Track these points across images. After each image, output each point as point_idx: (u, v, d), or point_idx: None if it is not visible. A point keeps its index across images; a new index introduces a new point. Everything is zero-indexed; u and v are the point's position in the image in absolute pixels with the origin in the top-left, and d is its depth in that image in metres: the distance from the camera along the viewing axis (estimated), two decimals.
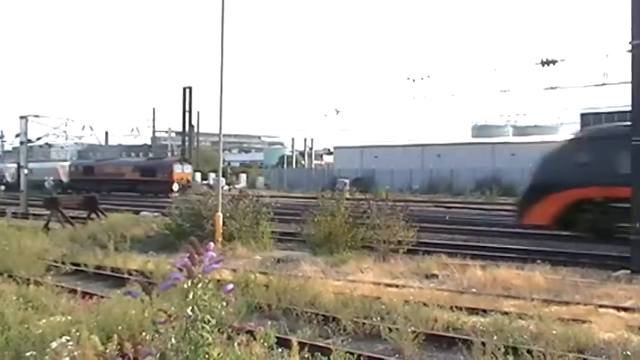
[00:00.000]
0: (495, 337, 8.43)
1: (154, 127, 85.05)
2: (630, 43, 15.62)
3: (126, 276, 14.00)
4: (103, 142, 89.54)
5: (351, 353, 7.66)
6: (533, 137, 67.73)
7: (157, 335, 4.48)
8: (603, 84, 30.32)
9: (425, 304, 10.84)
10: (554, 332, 9.06)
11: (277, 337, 6.61)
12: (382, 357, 8.77)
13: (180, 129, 77.50)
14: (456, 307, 11.05)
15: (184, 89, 73.55)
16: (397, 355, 9.06)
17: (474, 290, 13.08)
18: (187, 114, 73.72)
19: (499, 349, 7.77)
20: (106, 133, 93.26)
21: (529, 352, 7.84)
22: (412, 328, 9.30)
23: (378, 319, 10.49)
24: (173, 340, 4.10)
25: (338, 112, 63.06)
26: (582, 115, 71.47)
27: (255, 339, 6.09)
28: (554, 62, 24.36)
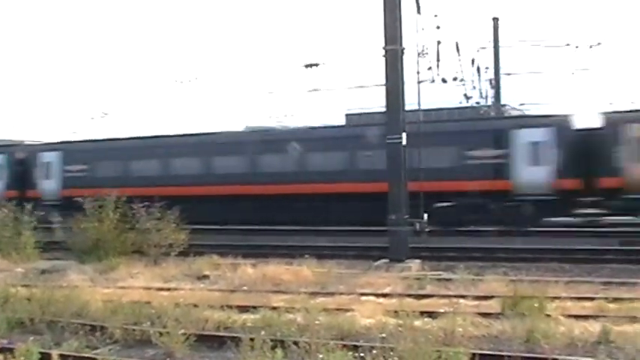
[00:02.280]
0: (263, 332, 8.62)
1: None
2: (384, 48, 16.72)
3: None
4: None
5: None
6: None
7: None
8: (361, 86, 32.03)
9: (196, 306, 10.83)
10: (320, 323, 9.47)
11: (41, 353, 6.28)
12: None
13: None
14: (227, 306, 11.16)
15: None
16: (168, 359, 8.96)
17: (244, 288, 13.30)
18: None
19: (267, 343, 7.95)
20: None
21: (295, 343, 8.13)
22: (183, 330, 9.24)
23: (149, 324, 10.29)
24: None
25: (105, 114, 60.63)
26: (347, 115, 75.34)
27: (14, 356, 5.72)
28: (316, 65, 25.39)
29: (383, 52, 16.76)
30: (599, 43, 36.90)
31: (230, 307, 11.15)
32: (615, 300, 11.14)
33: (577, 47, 36.68)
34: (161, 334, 9.25)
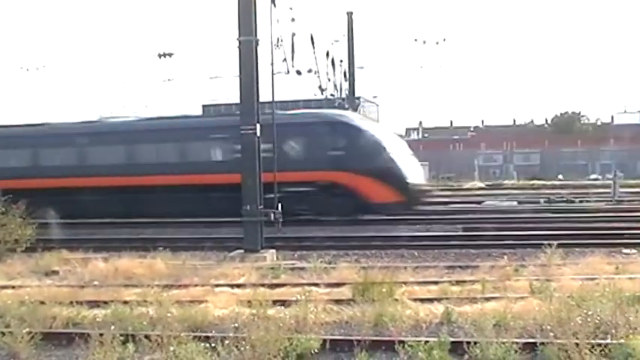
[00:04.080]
0: (114, 327, 8.44)
1: None
2: (238, 39, 16.71)
3: None
4: None
5: None
6: None
7: None
8: (217, 77, 31.97)
9: (43, 303, 10.42)
10: (173, 315, 9.39)
11: None
12: None
13: None
14: (77, 302, 10.79)
15: None
16: None
17: (95, 283, 12.93)
18: None
19: (117, 338, 7.80)
20: None
21: (147, 337, 8.02)
22: (28, 329, 8.88)
23: None
24: None
25: None
26: (204, 106, 74.73)
27: None
28: (170, 55, 25.01)
29: (237, 43, 16.73)
30: (444, 39, 38.81)
31: (80, 303, 10.78)
32: (458, 283, 11.77)
33: (424, 42, 38.44)
34: (3, 334, 8.85)
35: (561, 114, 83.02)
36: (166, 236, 19.42)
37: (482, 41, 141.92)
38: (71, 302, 10.71)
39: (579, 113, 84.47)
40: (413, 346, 7.68)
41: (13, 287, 12.80)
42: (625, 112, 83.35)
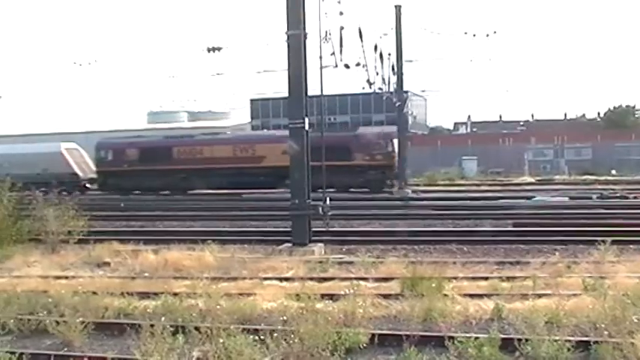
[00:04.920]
0: (164, 319, 8.56)
1: None
2: (286, 33, 16.73)
3: None
4: None
5: (13, 352, 7.22)
6: (208, 122, 69.49)
7: None
8: (265, 71, 32.05)
9: (95, 293, 10.65)
10: (222, 307, 9.48)
11: None
12: (49, 352, 8.42)
13: None
14: (128, 293, 10.99)
15: None
16: (66, 349, 8.75)
17: (145, 275, 13.09)
18: None
19: (167, 329, 7.89)
20: None
21: (197, 329, 8.11)
22: (81, 318, 9.06)
23: (45, 313, 10.02)
24: None
25: None
26: (252, 100, 75.25)
27: None
28: (219, 49, 25.07)
29: (286, 37, 16.75)
30: (495, 32, 38.28)
31: (130, 294, 10.98)
32: (508, 279, 11.61)
33: (474, 36, 37.97)
34: (58, 322, 9.04)
35: (614, 107, 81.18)
36: (215, 229, 19.56)
37: (533, 34, 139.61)
38: (122, 293, 10.91)
39: (633, 107, 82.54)
40: (463, 342, 7.61)
41: (67, 278, 13.10)
42: None
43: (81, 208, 17.60)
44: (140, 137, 43.80)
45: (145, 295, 11.09)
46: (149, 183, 38.01)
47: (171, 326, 8.02)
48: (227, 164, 36.95)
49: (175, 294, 10.65)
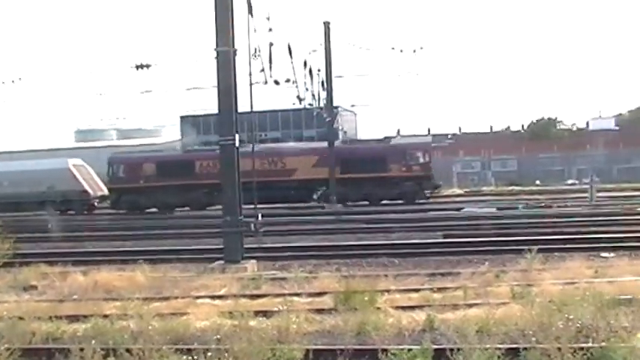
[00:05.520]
0: (94, 342, 8.36)
1: None
2: (215, 49, 16.68)
3: None
4: None
5: None
6: (138, 140, 68.47)
7: None
8: (195, 87, 31.72)
9: (21, 318, 10.30)
10: (154, 328, 9.32)
11: None
12: None
13: None
14: (56, 316, 10.65)
15: None
16: None
17: (75, 297, 12.78)
18: None
19: (97, 352, 7.72)
20: None
21: (128, 351, 7.94)
22: (6, 345, 8.76)
23: None
24: None
25: None
26: (182, 117, 74.55)
27: None
28: (148, 66, 24.75)
29: (215, 53, 16.70)
30: (421, 48, 39.04)
31: (59, 317, 10.65)
32: (439, 290, 11.80)
33: (402, 51, 38.62)
34: None
35: (537, 120, 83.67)
36: (146, 248, 19.25)
37: (459, 49, 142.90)
38: (50, 317, 10.56)
39: (555, 119, 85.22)
40: (396, 354, 7.67)
41: None
42: (600, 117, 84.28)
43: (5, 230, 17.06)
44: (158, 151, 42.38)
45: (74, 319, 10.80)
46: (168, 199, 36.68)
47: (101, 349, 7.84)
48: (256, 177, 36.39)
49: (106, 316, 10.42)
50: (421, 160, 37.06)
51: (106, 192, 39.09)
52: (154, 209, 37.03)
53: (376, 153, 36.49)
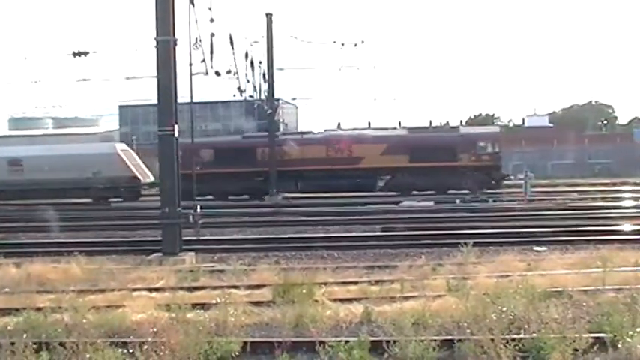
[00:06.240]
0: (26, 335, 8.18)
1: None
2: (155, 39, 16.44)
3: None
4: None
5: None
6: (75, 129, 67.19)
7: None
8: (134, 77, 31.44)
9: None
10: (89, 321, 9.17)
11: None
12: None
13: None
14: None
15: None
16: None
17: (6, 289, 12.45)
18: None
19: (30, 346, 7.55)
20: None
21: (62, 344, 7.80)
22: None
23: None
24: None
25: None
26: (120, 107, 73.41)
27: None
28: (85, 54, 24.30)
29: (155, 42, 16.47)
30: (362, 42, 39.27)
31: None
32: (377, 282, 11.91)
33: (343, 45, 38.77)
34: None
35: (475, 116, 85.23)
36: (82, 239, 18.90)
37: (400, 43, 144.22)
38: None
39: (493, 115, 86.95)
40: (333, 346, 7.73)
41: None
42: (535, 114, 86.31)
43: None
44: (216, 137, 41.37)
45: (5, 312, 10.54)
46: (226, 187, 35.64)
47: (34, 343, 7.69)
48: (320, 166, 35.67)
49: (39, 309, 10.16)
50: (490, 150, 36.64)
51: (152, 178, 37.45)
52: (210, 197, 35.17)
53: (446, 142, 35.75)
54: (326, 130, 40.68)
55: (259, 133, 41.65)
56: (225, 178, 35.58)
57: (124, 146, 40.34)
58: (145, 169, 38.71)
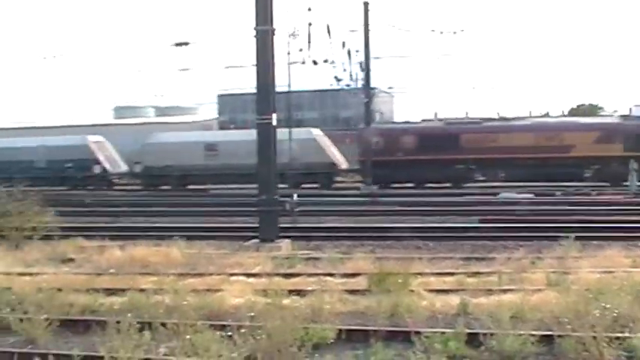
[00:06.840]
0: (130, 315, 8.49)
1: None
2: (255, 28, 16.67)
3: None
4: None
5: None
6: (176, 118, 69.07)
7: None
8: (231, 67, 31.92)
9: (60, 290, 10.50)
10: (189, 303, 9.43)
11: None
12: (12, 350, 8.29)
13: None
14: (94, 289, 10.90)
15: None
16: (30, 346, 8.63)
17: (111, 271, 12.97)
18: None
19: (134, 325, 7.83)
20: None
21: (163, 325, 8.07)
22: (45, 315, 8.95)
23: (8, 310, 9.86)
24: None
25: None
26: (219, 96, 74.96)
27: None
28: (186, 44, 24.95)
29: (254, 32, 16.70)
30: (462, 30, 38.61)
31: (96, 290, 10.88)
32: (474, 274, 11.73)
33: (441, 33, 38.27)
34: (21, 320, 8.91)
35: (578, 106, 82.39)
36: (182, 224, 19.44)
37: (501, 31, 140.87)
38: (88, 290, 10.80)
39: (597, 105, 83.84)
40: (429, 337, 7.67)
41: (31, 274, 12.90)
42: None
43: (45, 204, 17.39)
44: (417, 123, 40.14)
45: (111, 292, 10.99)
46: (427, 174, 35.10)
47: (137, 322, 7.95)
48: (527, 154, 34.08)
49: (142, 290, 10.56)
50: None
51: (346, 165, 38.16)
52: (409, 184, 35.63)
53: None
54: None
55: (463, 119, 39.54)
56: (426, 165, 34.70)
57: (319, 132, 39.78)
58: (340, 156, 38.24)
